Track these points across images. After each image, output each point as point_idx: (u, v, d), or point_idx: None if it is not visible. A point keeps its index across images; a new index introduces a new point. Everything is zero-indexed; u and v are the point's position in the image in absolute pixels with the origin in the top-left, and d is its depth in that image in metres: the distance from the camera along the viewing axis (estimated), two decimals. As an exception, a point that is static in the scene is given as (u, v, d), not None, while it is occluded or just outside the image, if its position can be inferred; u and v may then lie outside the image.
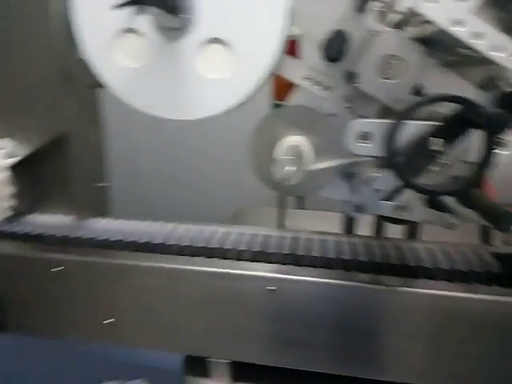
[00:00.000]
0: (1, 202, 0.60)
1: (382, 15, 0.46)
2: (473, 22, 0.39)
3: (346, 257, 0.55)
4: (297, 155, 0.49)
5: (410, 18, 0.44)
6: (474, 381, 0.51)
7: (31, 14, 0.56)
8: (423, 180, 0.41)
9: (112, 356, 1.36)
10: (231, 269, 0.54)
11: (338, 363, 0.54)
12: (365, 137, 0.44)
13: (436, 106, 0.41)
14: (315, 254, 0.56)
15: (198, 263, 0.55)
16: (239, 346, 0.55)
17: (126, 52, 0.48)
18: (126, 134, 1.57)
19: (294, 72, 0.49)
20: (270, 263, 0.55)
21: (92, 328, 0.59)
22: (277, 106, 0.98)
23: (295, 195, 1.11)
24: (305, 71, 0.49)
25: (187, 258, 0.56)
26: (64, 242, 0.60)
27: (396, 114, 0.42)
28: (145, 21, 0.47)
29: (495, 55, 0.40)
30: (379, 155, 0.43)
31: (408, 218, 0.50)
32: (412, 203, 0.49)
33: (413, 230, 0.71)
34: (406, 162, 0.40)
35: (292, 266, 0.54)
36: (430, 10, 0.39)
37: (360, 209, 0.50)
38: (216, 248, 0.57)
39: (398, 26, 0.46)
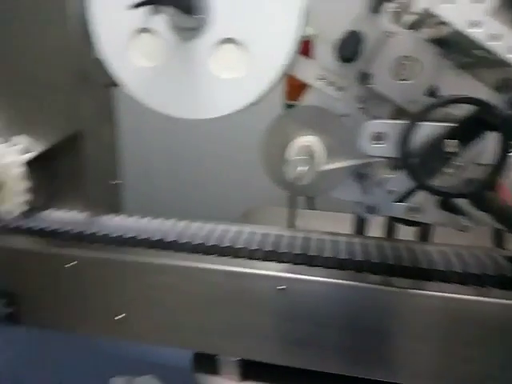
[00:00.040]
0: (16, 197, 0.61)
1: (397, 16, 0.46)
2: (489, 23, 0.39)
3: (358, 258, 0.55)
4: (309, 155, 0.49)
5: (426, 19, 0.44)
6: (486, 386, 0.50)
7: (49, 14, 0.56)
8: (437, 182, 0.41)
9: (122, 352, 1.37)
10: (243, 267, 0.54)
11: (347, 364, 0.54)
12: (379, 138, 0.44)
13: (451, 107, 0.41)
14: (327, 254, 0.56)
15: (210, 261, 0.56)
16: (249, 344, 0.56)
17: (142, 51, 0.49)
18: (139, 133, 1.59)
19: (308, 72, 0.49)
20: (281, 263, 0.55)
21: (103, 323, 0.60)
22: (289, 106, 0.98)
23: (307, 195, 1.10)
24: (318, 72, 0.49)
25: (200, 256, 0.57)
26: (78, 238, 0.61)
27: (410, 115, 0.42)
28: (160, 21, 0.47)
29: (512, 57, 0.39)
30: (393, 156, 0.43)
31: (421, 220, 0.50)
32: (425, 205, 0.48)
33: (425, 232, 0.70)
34: (420, 164, 0.40)
35: (303, 266, 0.54)
36: (446, 12, 0.39)
37: (372, 210, 0.50)
38: (228, 247, 0.58)
39: (413, 27, 0.46)
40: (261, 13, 0.46)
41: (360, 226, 0.75)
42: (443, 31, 0.44)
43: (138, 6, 0.44)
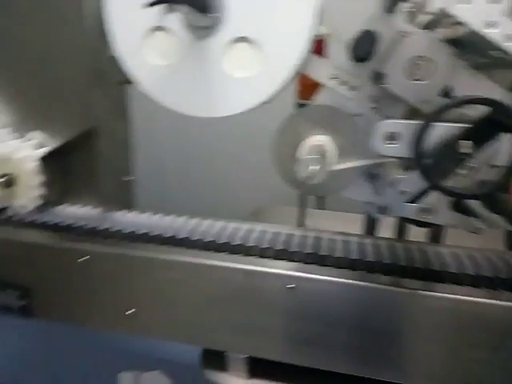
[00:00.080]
0: (31, 191, 0.62)
1: (412, 16, 0.46)
2: (506, 24, 0.39)
3: (370, 258, 0.55)
4: (320, 154, 0.49)
5: (441, 19, 0.44)
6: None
7: (66, 14, 0.57)
8: (450, 183, 0.40)
9: (129, 347, 1.38)
10: (254, 265, 0.54)
11: (355, 364, 0.54)
12: (392, 137, 0.44)
13: (465, 108, 0.41)
14: (338, 254, 0.55)
15: (221, 259, 0.56)
16: (257, 342, 0.56)
17: (156, 50, 0.50)
18: (151, 131, 1.60)
19: (321, 71, 0.49)
20: (292, 262, 0.55)
21: (114, 318, 0.60)
22: (301, 105, 0.98)
23: (318, 195, 1.11)
24: (331, 71, 0.49)
25: (211, 253, 0.57)
26: (92, 234, 0.62)
27: (425, 116, 0.41)
28: (175, 19, 0.48)
29: (528, 58, 0.39)
30: (406, 156, 0.42)
31: (433, 221, 0.49)
32: (437, 206, 0.48)
33: (437, 233, 0.70)
34: (434, 164, 0.40)
35: (314, 266, 0.54)
36: (462, 12, 0.39)
37: (384, 210, 0.50)
38: (239, 245, 0.58)
39: (428, 27, 0.46)
40: (275, 12, 0.46)
41: (370, 227, 0.75)
42: (458, 31, 0.43)
43: (152, 4, 0.44)
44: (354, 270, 0.53)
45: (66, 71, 0.59)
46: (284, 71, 0.47)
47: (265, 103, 0.50)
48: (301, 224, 1.09)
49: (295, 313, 0.54)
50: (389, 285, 0.51)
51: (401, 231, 0.73)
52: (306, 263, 0.55)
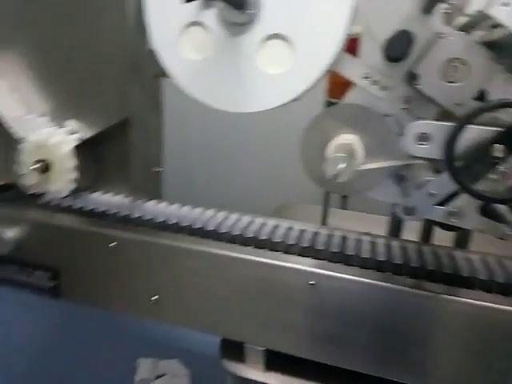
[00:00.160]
0: (66, 175, 0.64)
1: (449, 17, 0.45)
2: (546, 27, 0.38)
3: (397, 261, 0.55)
4: (348, 153, 0.49)
5: (478, 21, 0.43)
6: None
7: (108, 8, 0.60)
8: (480, 186, 0.40)
9: (150, 335, 1.42)
10: (279, 260, 0.55)
11: (372, 364, 0.54)
12: (424, 138, 0.43)
13: (499, 112, 0.40)
14: (365, 254, 0.56)
15: (247, 252, 0.57)
16: (277, 336, 0.57)
17: (191, 44, 0.50)
18: (180, 127, 1.62)
19: (353, 70, 0.49)
20: (317, 260, 0.56)
21: (139, 303, 0.62)
22: (331, 103, 0.98)
23: (345, 194, 1.10)
24: (363, 70, 0.49)
25: (237, 246, 0.58)
26: (124, 221, 0.64)
27: (458, 118, 0.41)
28: (211, 15, 0.49)
29: None
30: (437, 157, 0.42)
31: (460, 225, 0.49)
32: (465, 210, 0.48)
33: (463, 237, 0.69)
34: (465, 167, 0.39)
35: (340, 265, 0.55)
36: (502, 14, 0.38)
37: (410, 212, 0.50)
38: (265, 239, 0.59)
39: (465, 28, 0.45)
40: (310, 10, 0.46)
41: (395, 228, 0.74)
42: (495, 34, 0.43)
43: (190, 0, 0.45)
44: (381, 271, 0.53)
45: (105, 63, 0.62)
46: (316, 69, 0.48)
47: (295, 100, 0.50)
48: (323, 223, 1.09)
49: (317, 310, 0.54)
50: (415, 288, 0.50)
51: (427, 234, 0.72)
52: (331, 262, 0.55)
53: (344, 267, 0.54)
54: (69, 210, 0.67)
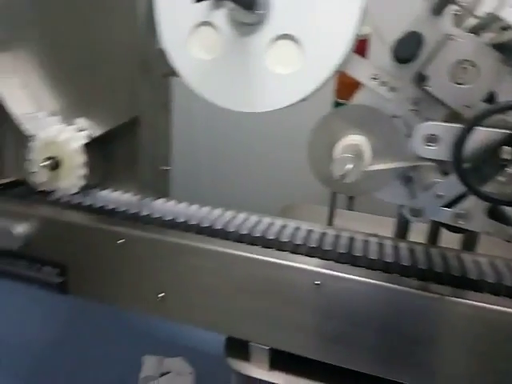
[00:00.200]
0: (75, 171, 0.65)
1: (459, 19, 0.45)
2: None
3: (405, 262, 0.55)
4: (356, 154, 0.49)
5: (489, 23, 0.43)
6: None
7: (120, 8, 0.60)
8: (488, 188, 0.40)
9: (155, 333, 1.43)
10: (286, 260, 0.55)
11: (377, 365, 0.54)
12: (432, 140, 0.43)
13: (508, 114, 0.40)
14: (372, 256, 0.56)
15: (254, 251, 0.57)
16: (282, 335, 0.57)
17: (201, 44, 0.51)
18: (188, 126, 1.63)
19: (362, 71, 0.49)
20: (325, 260, 0.56)
21: (145, 300, 0.63)
22: (339, 104, 0.98)
23: (352, 194, 1.10)
24: (372, 71, 0.49)
25: (245, 245, 0.59)
26: (133, 218, 0.65)
27: (466, 120, 0.41)
28: (221, 15, 0.49)
29: None
30: (445, 159, 0.42)
31: (467, 227, 0.49)
32: (473, 212, 0.47)
33: (471, 240, 0.69)
34: (473, 169, 0.39)
35: (347, 265, 0.55)
36: (512, 16, 0.38)
37: (418, 213, 0.50)
38: (273, 239, 0.59)
39: (475, 30, 0.45)
40: (319, 11, 0.46)
41: (402, 230, 0.74)
42: (505, 36, 0.43)
43: (200, 0, 0.45)
44: (388, 272, 0.53)
45: (115, 63, 0.62)
46: (324, 70, 0.48)
47: (303, 101, 0.50)
48: (329, 224, 1.09)
49: (323, 310, 0.54)
50: (424, 290, 0.50)
51: (434, 236, 0.72)
52: (338, 262, 0.55)
53: (351, 268, 0.54)
54: (78, 207, 0.68)
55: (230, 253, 0.57)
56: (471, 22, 0.46)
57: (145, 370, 1.29)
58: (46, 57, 0.67)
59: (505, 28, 0.43)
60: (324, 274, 0.53)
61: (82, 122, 0.66)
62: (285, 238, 0.59)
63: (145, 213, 0.65)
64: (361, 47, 0.53)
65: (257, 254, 0.56)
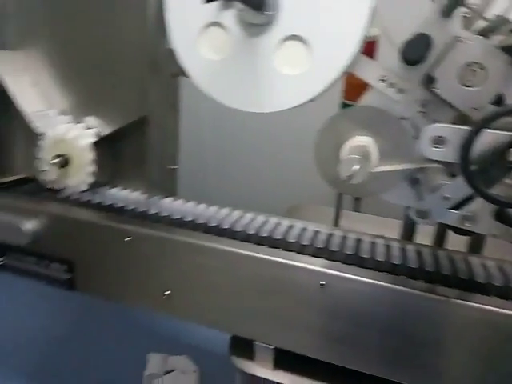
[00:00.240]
0: (84, 168, 0.65)
1: (468, 21, 0.45)
2: None
3: (412, 265, 0.55)
4: (363, 155, 0.49)
5: (498, 25, 0.43)
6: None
7: (130, 8, 0.61)
8: (495, 191, 0.40)
9: (160, 331, 1.44)
10: (292, 260, 0.55)
11: (382, 366, 0.54)
12: (439, 142, 0.43)
13: (517, 117, 0.40)
14: (379, 257, 0.56)
15: (260, 251, 0.57)
16: (287, 335, 0.57)
17: (210, 45, 0.51)
18: (195, 126, 1.63)
19: (370, 72, 0.49)
20: (332, 261, 0.56)
21: (151, 298, 0.63)
22: (346, 105, 0.98)
23: (358, 196, 1.10)
24: (380, 72, 0.49)
25: (251, 244, 0.59)
26: (141, 217, 0.65)
27: (474, 122, 0.41)
28: (230, 16, 0.49)
29: None
30: (453, 161, 0.42)
31: (474, 230, 0.49)
32: (480, 214, 0.47)
33: (477, 242, 0.68)
34: (480, 171, 0.39)
35: (354, 267, 0.55)
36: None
37: (424, 215, 0.50)
38: (280, 239, 0.59)
39: (484, 33, 0.45)
40: (328, 12, 0.46)
41: (409, 232, 0.74)
42: (515, 39, 0.43)
43: (209, 1, 0.46)
44: (395, 274, 0.53)
45: (125, 62, 0.63)
46: (332, 71, 0.48)
47: (311, 101, 0.50)
48: (335, 225, 1.09)
49: (328, 310, 0.54)
50: (432, 293, 0.50)
51: (440, 238, 0.71)
52: (345, 263, 0.55)
53: (357, 269, 0.54)
54: (87, 204, 0.69)
55: (236, 252, 0.57)
56: (480, 24, 0.45)
57: (149, 368, 1.30)
58: (56, 55, 0.67)
59: (514, 30, 0.43)
60: (330, 274, 0.53)
61: (91, 120, 0.67)
62: (292, 239, 0.59)
63: (153, 211, 0.66)
64: (369, 49, 0.53)
65: (263, 254, 0.56)
